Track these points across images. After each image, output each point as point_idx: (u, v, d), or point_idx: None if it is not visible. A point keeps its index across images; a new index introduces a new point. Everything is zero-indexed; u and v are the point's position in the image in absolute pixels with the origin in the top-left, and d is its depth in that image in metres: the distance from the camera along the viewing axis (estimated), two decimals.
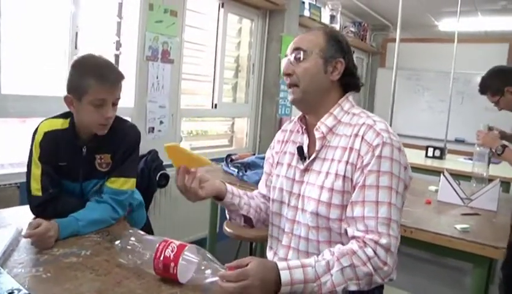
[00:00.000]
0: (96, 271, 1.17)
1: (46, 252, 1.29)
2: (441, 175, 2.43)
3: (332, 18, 4.87)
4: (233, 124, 4.44)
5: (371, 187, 1.20)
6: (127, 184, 1.60)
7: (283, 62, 1.38)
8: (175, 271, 1.10)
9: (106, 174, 1.61)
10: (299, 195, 1.37)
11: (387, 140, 1.23)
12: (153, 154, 3.20)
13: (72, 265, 1.20)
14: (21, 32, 2.45)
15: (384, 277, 1.15)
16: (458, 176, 2.89)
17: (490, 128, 2.69)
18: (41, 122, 1.62)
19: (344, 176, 1.26)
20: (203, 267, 1.11)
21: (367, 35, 6.11)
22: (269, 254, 1.48)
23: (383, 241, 1.15)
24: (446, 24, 5.59)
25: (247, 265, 1.09)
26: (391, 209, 1.19)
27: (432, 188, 2.63)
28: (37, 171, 1.56)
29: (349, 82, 1.38)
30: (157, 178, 3.13)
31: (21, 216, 1.55)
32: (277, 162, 1.50)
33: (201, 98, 3.98)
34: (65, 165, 1.58)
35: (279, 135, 1.56)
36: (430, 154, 4.17)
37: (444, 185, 2.39)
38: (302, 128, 1.44)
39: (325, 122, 1.34)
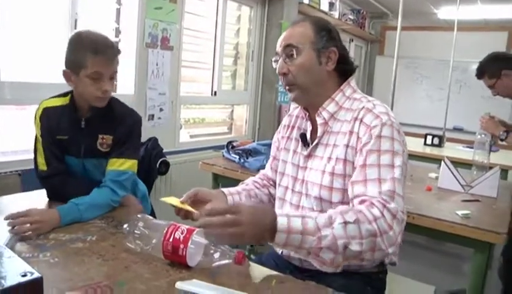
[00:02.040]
0: (103, 255, 1.17)
1: (52, 237, 1.29)
2: (442, 162, 2.44)
3: (331, 5, 4.85)
4: (232, 111, 4.44)
5: (372, 166, 1.19)
6: (126, 164, 1.61)
7: (274, 61, 1.38)
8: (184, 252, 1.11)
9: (107, 154, 1.63)
10: (303, 180, 1.38)
11: (387, 122, 1.23)
12: (153, 141, 3.20)
13: (79, 250, 1.20)
14: (20, 19, 2.43)
15: (388, 244, 1.08)
16: (457, 163, 2.90)
17: (491, 117, 2.70)
18: (43, 100, 1.67)
19: (345, 160, 1.26)
20: (211, 251, 1.12)
21: (366, 22, 6.09)
22: None
23: (390, 205, 1.12)
24: (446, 12, 5.58)
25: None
26: (394, 183, 1.15)
27: (432, 175, 2.65)
28: (39, 146, 1.63)
29: (345, 69, 1.38)
30: (157, 165, 3.13)
31: (23, 203, 1.55)
32: (283, 147, 1.51)
33: (201, 85, 3.97)
34: (65, 138, 1.61)
35: (286, 120, 1.57)
36: (428, 141, 4.18)
37: (445, 172, 2.40)
38: (306, 114, 1.44)
39: (327, 108, 1.35)
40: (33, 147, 1.65)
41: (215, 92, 3.97)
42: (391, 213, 1.11)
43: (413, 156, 3.65)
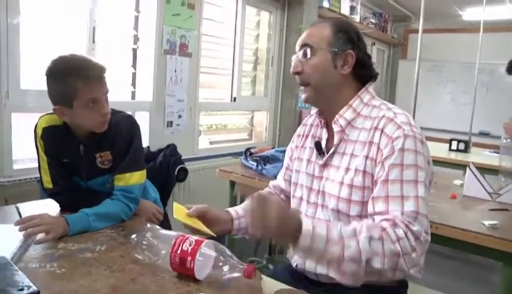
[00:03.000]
0: (110, 267, 1.15)
1: (61, 246, 1.27)
2: (467, 169, 2.34)
3: (352, 9, 4.77)
4: (253, 117, 4.40)
5: (395, 182, 1.13)
6: (133, 178, 1.55)
7: (293, 60, 1.33)
8: (192, 265, 1.07)
9: (111, 170, 1.57)
10: (318, 191, 1.33)
11: (410, 132, 1.16)
12: (171, 148, 3.19)
13: (87, 261, 1.18)
14: (40, 28, 2.45)
15: (410, 266, 1.04)
16: (484, 169, 2.78)
17: None
18: (40, 118, 1.59)
19: (364, 171, 1.20)
20: (220, 264, 1.08)
21: (388, 26, 5.98)
22: (289, 253, 1.44)
23: (414, 227, 1.07)
24: (471, 13, 5.41)
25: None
26: (418, 202, 1.10)
27: (457, 182, 2.55)
28: (44, 164, 1.58)
29: (363, 74, 1.32)
30: (176, 172, 3.12)
31: (41, 210, 1.52)
32: (297, 157, 1.45)
33: (220, 91, 3.95)
34: (68, 161, 1.57)
35: (300, 129, 1.52)
36: (454, 147, 4.05)
37: (471, 179, 2.30)
38: (321, 122, 1.39)
39: (344, 115, 1.29)
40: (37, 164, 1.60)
41: (234, 98, 3.94)
42: (414, 235, 1.06)
43: (437, 162, 3.55)
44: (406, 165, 1.13)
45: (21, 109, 2.39)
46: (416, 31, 3.25)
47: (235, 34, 3.86)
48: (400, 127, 1.17)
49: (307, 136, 1.46)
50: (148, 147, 3.14)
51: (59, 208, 1.60)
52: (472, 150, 4.13)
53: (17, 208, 1.47)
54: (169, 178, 3.08)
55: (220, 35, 3.75)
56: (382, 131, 1.19)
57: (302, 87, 1.32)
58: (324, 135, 1.36)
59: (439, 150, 3.90)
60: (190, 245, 1.08)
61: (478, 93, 5.00)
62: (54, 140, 1.55)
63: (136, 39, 3.08)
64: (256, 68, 4.29)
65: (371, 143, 1.21)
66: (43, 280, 1.06)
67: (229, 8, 3.78)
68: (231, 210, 1.41)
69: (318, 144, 1.35)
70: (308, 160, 1.39)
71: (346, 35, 1.28)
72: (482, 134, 5.68)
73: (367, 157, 1.20)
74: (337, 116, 1.29)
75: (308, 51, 1.27)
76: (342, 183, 1.24)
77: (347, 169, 1.24)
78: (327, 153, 1.32)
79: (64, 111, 1.43)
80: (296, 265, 1.38)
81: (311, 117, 1.48)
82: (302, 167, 1.40)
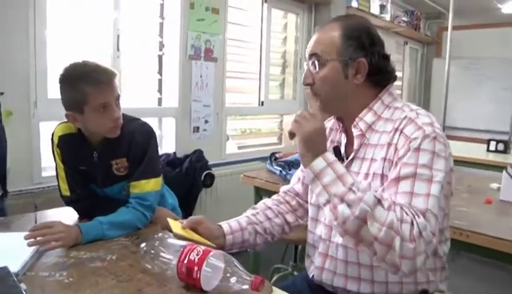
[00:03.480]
0: (119, 276, 1.12)
1: (73, 255, 1.26)
2: (504, 171, 2.20)
3: (382, 7, 4.64)
4: (282, 121, 4.34)
5: (406, 179, 1.05)
6: (148, 185, 1.54)
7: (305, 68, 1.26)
8: (198, 275, 1.03)
9: (128, 177, 1.57)
10: None
11: (431, 134, 1.08)
12: (198, 153, 3.19)
13: (96, 270, 1.16)
14: (66, 38, 2.50)
15: (403, 254, 0.96)
16: None
17: None
18: (56, 126, 1.61)
19: (382, 175, 1.13)
20: (228, 275, 1.03)
21: (421, 24, 5.79)
22: (307, 262, 1.38)
23: (419, 219, 0.99)
24: (510, 6, 5.16)
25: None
26: (428, 199, 1.02)
27: (494, 185, 2.40)
28: (61, 172, 1.59)
29: (379, 80, 1.22)
30: (202, 178, 3.11)
31: (67, 216, 1.58)
32: None
33: (248, 96, 3.92)
34: (84, 169, 1.57)
35: None
36: (492, 147, 3.85)
37: (508, 182, 2.16)
38: (339, 126, 1.32)
39: (364, 118, 1.21)
40: (55, 172, 1.62)
41: (262, 102, 3.91)
42: (419, 228, 0.98)
43: (474, 164, 3.39)
44: (421, 164, 1.05)
45: (49, 118, 2.43)
46: (453, 28, 3.12)
47: (261, 38, 3.83)
48: (420, 128, 1.09)
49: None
50: (174, 153, 3.15)
51: (77, 216, 1.61)
52: None
53: (35, 216, 1.48)
54: (196, 184, 3.08)
55: (246, 39, 3.73)
56: (401, 131, 1.12)
57: (314, 98, 1.25)
58: (343, 139, 1.30)
59: (476, 151, 3.72)
60: (197, 255, 1.04)
61: None
62: (69, 148, 1.56)
63: (161, 45, 3.09)
64: (285, 71, 4.23)
65: (390, 144, 1.13)
66: (50, 289, 1.05)
67: (255, 11, 3.75)
68: (224, 224, 1.34)
69: (337, 150, 1.28)
70: None
71: (358, 41, 1.18)
72: None
73: (384, 159, 1.13)
74: (356, 119, 1.22)
75: (317, 62, 1.19)
76: None
77: (366, 175, 1.17)
78: (347, 159, 1.25)
79: (76, 116, 1.44)
80: (313, 276, 1.32)
81: (330, 120, 1.40)
82: None
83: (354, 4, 4.31)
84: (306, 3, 4.15)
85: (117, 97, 1.46)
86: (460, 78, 5.86)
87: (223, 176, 3.36)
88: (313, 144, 1.10)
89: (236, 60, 3.63)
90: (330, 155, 1.09)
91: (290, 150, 3.37)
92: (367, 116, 1.21)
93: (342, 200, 1.02)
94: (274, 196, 1.51)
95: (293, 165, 2.47)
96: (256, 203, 2.62)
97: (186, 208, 3.04)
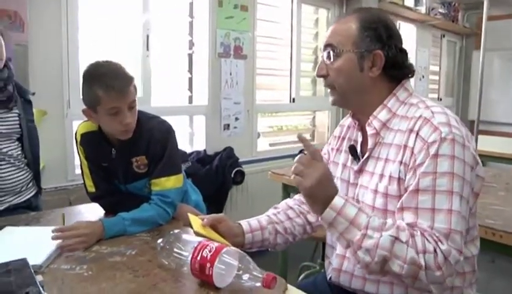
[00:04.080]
0: (136, 271, 1.14)
1: (95, 249, 1.29)
2: None
3: (417, 1, 4.50)
4: (314, 117, 4.30)
5: (426, 192, 1.02)
6: (169, 182, 1.55)
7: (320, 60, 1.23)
8: (211, 272, 1.03)
9: (148, 175, 1.59)
10: (353, 199, 1.22)
11: (448, 135, 1.03)
12: (228, 151, 3.21)
13: (115, 264, 1.18)
14: (97, 38, 2.56)
15: (430, 281, 0.98)
16: None
17: None
18: (79, 125, 1.65)
19: (399, 179, 1.09)
20: (240, 272, 1.02)
21: (459, 15, 5.57)
22: (326, 263, 1.36)
23: (443, 246, 0.97)
24: None
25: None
26: (451, 216, 0.99)
27: None
28: (85, 169, 1.63)
29: (395, 74, 1.18)
30: (232, 175, 3.12)
31: (94, 211, 1.63)
32: (333, 161, 1.36)
33: (279, 93, 3.91)
34: (106, 165, 1.60)
35: (337, 130, 1.41)
36: None
37: None
38: (355, 123, 1.28)
39: (378, 116, 1.17)
40: (80, 169, 1.67)
41: (293, 99, 3.88)
42: (444, 255, 0.97)
43: None
44: (440, 173, 1.01)
45: (82, 117, 2.48)
46: (491, 18, 2.99)
47: (291, 34, 3.79)
48: (436, 128, 1.04)
49: (343, 138, 1.35)
50: (205, 150, 3.17)
51: (103, 211, 1.64)
52: None
53: (63, 215, 1.51)
54: (226, 181, 3.09)
55: (276, 36, 3.71)
56: (417, 133, 1.07)
57: (329, 91, 1.22)
58: (359, 137, 1.26)
59: None
60: (210, 251, 1.04)
61: None
62: (91, 145, 1.60)
63: (191, 44, 3.12)
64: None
65: (405, 146, 1.09)
66: (69, 282, 1.08)
67: (284, 7, 3.72)
68: (244, 223, 1.33)
69: (352, 148, 1.25)
70: (344, 165, 1.30)
71: (375, 33, 1.14)
72: None
73: (401, 163, 1.09)
74: (370, 118, 1.18)
75: (332, 53, 1.16)
76: (376, 191, 1.14)
77: (381, 176, 1.14)
78: (362, 157, 1.21)
79: (91, 114, 1.48)
80: (330, 278, 1.29)
81: (348, 118, 1.36)
82: (338, 172, 1.30)
83: None
84: None
85: (132, 103, 1.46)
86: (500, 71, 5.60)
87: (254, 173, 3.36)
88: (318, 196, 1.05)
89: (266, 57, 3.62)
90: (338, 201, 1.03)
91: (322, 147, 3.33)
92: (381, 114, 1.17)
93: (360, 247, 1.01)
94: (296, 196, 1.48)
95: None
96: (284, 199, 2.62)
97: (217, 205, 3.07)
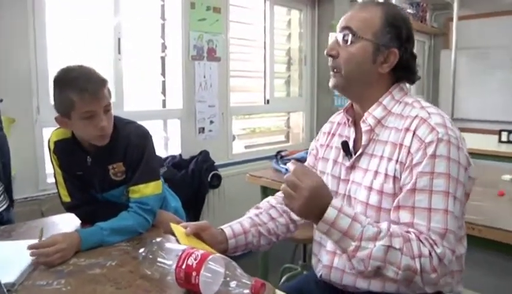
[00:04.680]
0: (118, 283, 1.10)
1: (72, 262, 1.24)
2: None
3: (386, 1, 4.57)
4: (288, 119, 4.30)
5: (423, 191, 1.04)
6: (148, 189, 1.50)
7: (330, 39, 1.23)
8: (197, 280, 1.00)
9: (126, 182, 1.54)
10: (344, 195, 1.22)
11: (444, 136, 1.05)
12: (204, 154, 3.17)
13: (94, 277, 1.14)
14: (66, 43, 2.48)
15: (425, 283, 1.01)
16: None
17: None
18: (52, 133, 1.59)
19: (394, 177, 1.10)
20: (227, 279, 0.99)
21: (427, 15, 5.68)
22: (314, 261, 1.34)
23: (438, 249, 0.99)
24: None
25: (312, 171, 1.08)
26: (447, 217, 1.02)
27: (507, 177, 2.33)
28: (60, 178, 1.56)
29: (402, 77, 1.20)
30: (209, 179, 3.08)
31: (70, 222, 1.57)
32: (322, 157, 1.35)
33: (253, 94, 3.89)
34: (82, 174, 1.54)
35: (326, 126, 1.41)
36: (504, 138, 3.80)
37: None
38: (348, 120, 1.28)
39: (373, 113, 1.18)
40: (54, 178, 1.60)
41: (268, 101, 3.86)
42: (438, 257, 1.00)
43: (485, 155, 3.31)
44: (437, 173, 1.03)
45: (52, 123, 2.38)
46: (458, 18, 3.06)
47: (265, 35, 3.78)
48: (434, 129, 1.06)
49: (333, 134, 1.35)
50: (180, 155, 3.12)
51: (79, 222, 1.58)
52: None
53: (41, 230, 1.41)
54: (202, 185, 3.05)
55: (250, 37, 3.69)
56: (414, 133, 1.09)
57: (332, 73, 1.22)
58: (352, 134, 1.26)
59: (487, 142, 3.66)
60: (195, 259, 1.01)
61: None
62: (65, 153, 1.54)
63: (163, 47, 3.07)
64: (290, 69, 4.19)
65: (401, 145, 1.10)
66: None
67: (257, 9, 3.71)
68: (227, 228, 1.31)
69: (345, 144, 1.25)
70: (335, 161, 1.29)
71: (397, 31, 1.15)
72: None
73: (397, 161, 1.10)
74: (366, 114, 1.19)
75: (350, 36, 1.15)
76: (370, 188, 1.14)
77: (376, 173, 1.14)
78: (355, 154, 1.21)
79: (64, 121, 1.42)
80: (321, 275, 1.28)
81: (339, 114, 1.37)
82: (328, 168, 1.30)
83: None
84: None
85: (107, 106, 1.42)
86: (469, 69, 5.74)
87: (230, 176, 3.33)
88: (310, 212, 1.05)
89: (240, 59, 3.60)
90: (331, 214, 1.02)
91: (297, 148, 3.33)
92: (377, 111, 1.18)
93: (354, 257, 1.02)
94: (279, 193, 1.45)
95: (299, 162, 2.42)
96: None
97: (194, 210, 3.02)
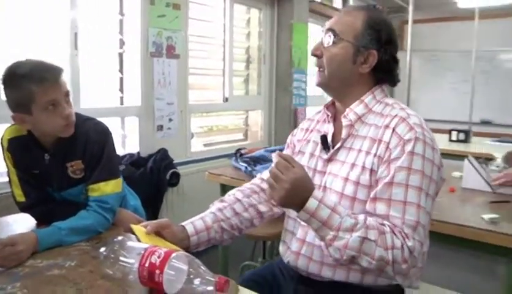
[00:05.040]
0: (78, 284, 1.07)
1: (29, 264, 1.19)
2: (465, 160, 2.25)
3: (345, 1, 4.68)
4: (247, 117, 4.32)
5: (399, 185, 1.09)
6: (108, 187, 1.48)
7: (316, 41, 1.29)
8: (161, 279, 0.99)
9: (84, 180, 1.50)
10: (320, 186, 1.26)
11: (421, 136, 1.12)
12: (162, 152, 3.13)
13: (53, 279, 1.10)
14: (20, 37, 2.38)
15: (396, 273, 1.06)
16: (486, 159, 2.68)
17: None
18: (5, 130, 1.53)
19: (371, 170, 1.16)
20: (191, 277, 0.99)
21: None
22: (282, 249, 1.37)
23: (409, 242, 1.05)
24: (465, 1, 5.30)
25: (296, 163, 1.09)
26: (419, 211, 1.08)
27: (456, 174, 2.45)
28: (14, 177, 1.50)
29: (382, 78, 1.27)
30: (168, 177, 3.05)
31: (24, 222, 1.51)
32: (298, 151, 1.39)
33: (212, 92, 3.88)
34: (38, 172, 1.49)
35: (304, 123, 1.46)
36: (454, 137, 3.96)
37: (469, 170, 2.21)
38: (328, 116, 1.34)
39: (354, 109, 1.25)
40: (7, 177, 1.54)
41: (226, 99, 3.86)
42: (409, 250, 1.05)
43: None
44: (414, 169, 1.10)
45: (2, 120, 2.33)
46: (413, 22, 3.17)
47: (224, 33, 3.78)
48: (412, 128, 1.13)
49: (311, 130, 1.40)
50: (138, 152, 3.07)
51: (34, 222, 1.52)
52: (473, 140, 4.02)
53: None
54: (161, 183, 3.02)
55: (209, 35, 3.68)
56: (394, 130, 1.15)
57: (317, 71, 1.28)
58: (331, 129, 1.32)
59: (440, 141, 3.77)
60: (158, 257, 1.00)
61: (479, 81, 4.91)
62: (20, 151, 1.48)
63: (121, 43, 3.00)
64: (249, 67, 4.20)
65: (380, 141, 1.17)
66: None
67: (217, 6, 3.70)
68: (189, 225, 1.30)
69: (324, 138, 1.30)
70: (311, 154, 1.34)
71: (377, 34, 1.22)
72: (484, 123, 5.56)
73: (375, 155, 1.16)
74: (347, 110, 1.25)
75: (332, 38, 1.23)
76: (347, 179, 1.19)
77: (353, 165, 1.20)
78: (333, 148, 1.27)
79: (24, 118, 1.37)
80: (288, 262, 1.31)
81: (318, 113, 1.43)
82: (304, 161, 1.34)
83: None
84: None
85: (67, 94, 1.39)
86: (422, 71, 5.99)
87: (189, 174, 3.31)
88: (292, 202, 1.10)
89: (199, 56, 3.58)
90: (312, 204, 1.07)
91: (256, 146, 3.35)
92: (358, 108, 1.24)
93: (331, 245, 1.06)
94: (247, 185, 1.48)
95: (258, 160, 2.45)
96: None
97: (152, 208, 2.98)
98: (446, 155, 3.51)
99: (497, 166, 2.22)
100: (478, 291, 2.79)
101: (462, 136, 3.94)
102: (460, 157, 3.32)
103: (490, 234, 1.54)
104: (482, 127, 5.37)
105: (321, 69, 1.27)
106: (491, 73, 5.74)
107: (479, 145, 3.77)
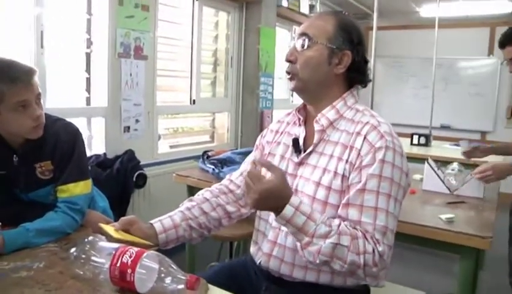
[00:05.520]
0: (47, 285, 1.07)
1: None
2: (426, 163, 2.36)
3: (312, 7, 4.76)
4: (214, 119, 4.33)
5: (371, 192, 1.14)
6: (77, 188, 1.47)
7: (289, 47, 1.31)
8: (132, 278, 1.01)
9: (53, 181, 1.49)
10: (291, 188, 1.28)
11: (390, 144, 1.17)
12: (129, 153, 3.11)
13: (21, 281, 1.09)
14: None
15: (366, 275, 1.11)
16: (445, 162, 2.81)
17: (475, 147, 2.58)
18: None
19: (343, 175, 1.20)
20: (162, 275, 1.01)
21: None
22: (253, 249, 1.40)
23: (380, 247, 1.11)
24: (427, 10, 5.51)
25: (275, 170, 1.12)
26: (388, 217, 1.13)
27: (417, 177, 2.56)
28: None
29: (355, 78, 1.31)
30: (134, 179, 3.03)
31: None
32: (269, 153, 1.41)
33: (179, 94, 3.87)
34: (5, 173, 1.47)
35: (274, 125, 1.48)
36: (415, 141, 4.11)
37: (429, 173, 2.32)
38: (299, 120, 1.36)
39: (326, 114, 1.28)
40: None
41: (193, 101, 3.86)
42: (379, 254, 1.11)
43: None
44: (384, 177, 1.14)
45: None
46: (377, 28, 3.27)
47: (192, 35, 3.78)
48: (383, 136, 1.17)
49: (282, 132, 1.42)
50: (105, 153, 3.04)
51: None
52: (433, 144, 4.19)
53: None
54: (128, 185, 2.99)
55: (177, 37, 3.67)
56: (365, 137, 1.19)
57: (289, 76, 1.30)
58: (302, 133, 1.34)
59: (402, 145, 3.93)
60: (130, 257, 1.02)
61: (438, 87, 5.11)
62: None
63: (89, 43, 2.96)
64: (216, 70, 4.22)
65: (352, 147, 1.20)
66: None
67: (186, 9, 3.70)
68: (157, 223, 1.32)
69: (296, 141, 1.33)
70: (282, 157, 1.36)
71: (348, 36, 1.26)
72: (444, 127, 5.78)
73: (346, 161, 1.20)
74: (319, 115, 1.28)
75: (306, 41, 1.25)
76: (319, 184, 1.23)
77: (325, 170, 1.23)
78: (305, 151, 1.29)
79: None
80: (260, 263, 1.34)
81: (288, 115, 1.46)
82: (274, 163, 1.35)
83: (285, 3, 4.38)
84: (237, 2, 4.15)
85: (38, 95, 1.38)
86: (385, 76, 6.17)
87: (156, 176, 3.30)
88: (264, 208, 1.18)
89: (167, 58, 3.57)
90: (288, 211, 1.10)
91: (222, 148, 3.37)
92: (330, 113, 1.27)
93: (305, 249, 1.11)
94: (217, 185, 1.50)
95: (225, 162, 2.48)
96: None
97: (119, 210, 2.94)
98: (407, 158, 3.63)
99: (452, 170, 2.32)
100: (437, 288, 2.91)
101: (422, 140, 4.10)
102: (421, 160, 3.46)
103: (446, 232, 1.63)
104: (442, 131, 5.60)
105: (292, 75, 1.29)
106: (450, 79, 5.98)
107: (438, 149, 3.93)
